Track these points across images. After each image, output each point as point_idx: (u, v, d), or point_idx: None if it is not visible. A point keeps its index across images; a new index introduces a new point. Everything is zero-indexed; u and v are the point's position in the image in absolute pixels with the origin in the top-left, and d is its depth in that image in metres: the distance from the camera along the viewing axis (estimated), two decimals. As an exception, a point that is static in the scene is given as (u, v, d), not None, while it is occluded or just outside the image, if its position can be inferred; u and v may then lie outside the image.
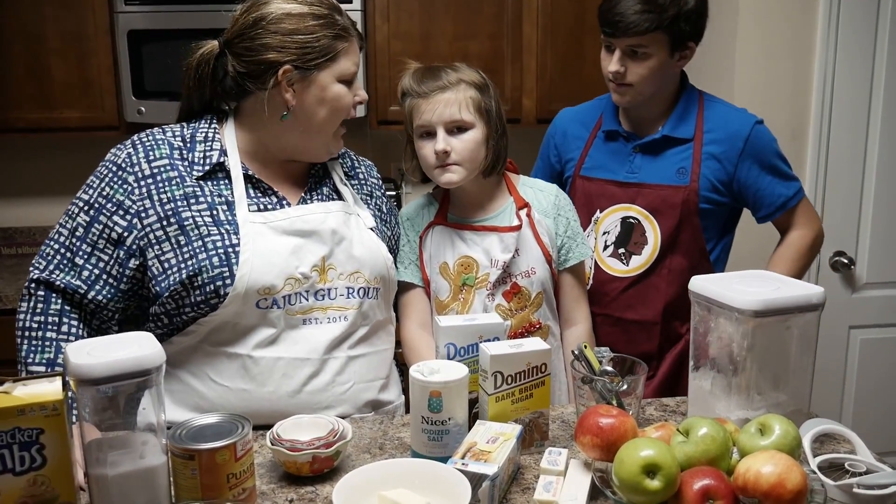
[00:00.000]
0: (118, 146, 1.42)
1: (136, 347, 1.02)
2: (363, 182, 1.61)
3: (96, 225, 1.36)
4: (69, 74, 2.67)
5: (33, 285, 1.37)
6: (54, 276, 1.36)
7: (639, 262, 1.80)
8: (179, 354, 1.38)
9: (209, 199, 1.38)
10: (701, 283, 1.32)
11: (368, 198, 1.59)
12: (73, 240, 1.36)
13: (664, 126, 1.81)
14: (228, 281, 1.33)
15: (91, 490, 1.03)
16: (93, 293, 1.36)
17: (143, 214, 1.36)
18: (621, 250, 1.82)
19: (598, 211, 1.85)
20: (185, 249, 1.34)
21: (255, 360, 1.36)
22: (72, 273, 1.36)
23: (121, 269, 1.36)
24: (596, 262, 1.84)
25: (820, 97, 2.59)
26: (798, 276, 1.79)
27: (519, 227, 1.61)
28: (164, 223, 1.35)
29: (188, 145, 1.42)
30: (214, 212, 1.37)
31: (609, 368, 1.31)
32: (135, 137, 1.43)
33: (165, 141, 1.41)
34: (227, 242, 1.35)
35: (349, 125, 1.49)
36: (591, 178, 1.86)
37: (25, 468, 0.97)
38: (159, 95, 2.66)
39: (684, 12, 1.68)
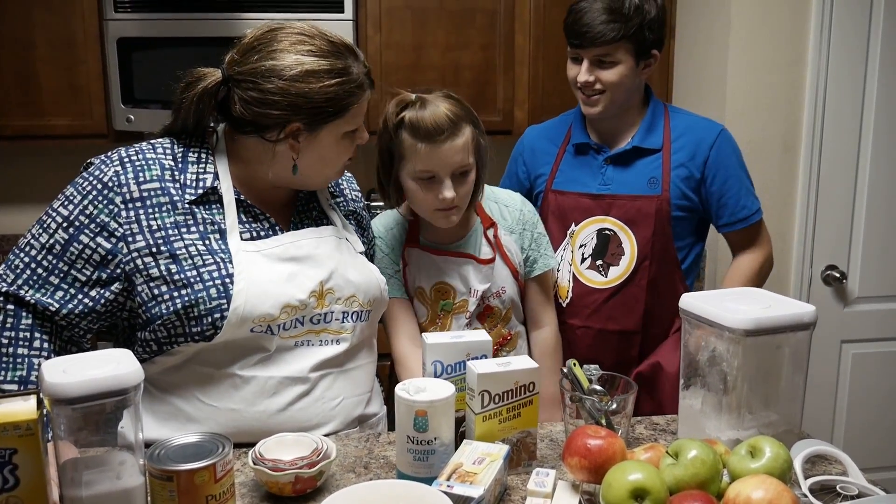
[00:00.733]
0: (103, 160, 1.35)
1: (113, 365, 0.99)
2: (347, 198, 1.59)
3: (76, 244, 1.29)
4: (58, 82, 2.65)
5: (1, 298, 1.30)
6: (23, 291, 1.30)
7: (617, 273, 1.82)
8: (164, 374, 1.34)
9: (201, 227, 1.32)
10: (691, 301, 1.31)
11: (353, 214, 1.58)
12: (49, 257, 1.30)
13: (634, 137, 1.84)
14: (226, 312, 1.28)
15: (66, 511, 1.00)
16: (65, 311, 1.30)
17: (129, 239, 1.29)
18: (599, 262, 1.84)
19: (574, 224, 1.86)
20: (177, 278, 1.28)
21: (246, 379, 1.32)
22: (43, 290, 1.29)
23: (100, 292, 1.30)
24: (574, 275, 1.85)
25: (812, 109, 2.59)
26: None
27: (493, 260, 1.65)
28: (154, 250, 1.29)
29: (179, 165, 1.35)
30: (207, 241, 1.32)
31: (598, 387, 1.29)
32: (122, 153, 1.35)
33: (156, 161, 1.34)
34: (223, 272, 1.30)
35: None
36: (564, 191, 1.89)
37: (-2, 489, 0.94)
38: (148, 104, 2.64)
39: (647, 21, 1.73)
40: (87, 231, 1.29)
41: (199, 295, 1.28)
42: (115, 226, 1.29)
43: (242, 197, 1.38)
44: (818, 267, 2.68)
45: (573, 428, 1.28)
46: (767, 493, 0.97)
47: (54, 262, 1.30)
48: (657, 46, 1.78)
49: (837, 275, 2.66)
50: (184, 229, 1.31)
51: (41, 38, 2.61)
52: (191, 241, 1.31)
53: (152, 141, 1.39)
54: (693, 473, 1.04)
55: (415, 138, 1.49)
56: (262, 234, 1.38)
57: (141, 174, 1.32)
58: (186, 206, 1.33)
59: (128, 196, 1.30)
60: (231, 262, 1.31)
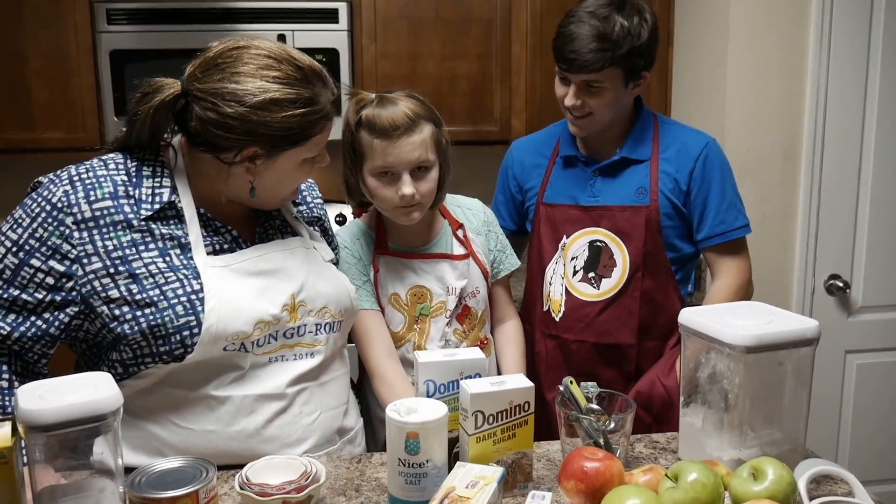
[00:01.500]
0: (51, 180, 1.27)
1: (90, 390, 0.96)
2: (309, 205, 1.55)
3: (26, 268, 1.23)
4: (51, 94, 2.63)
5: None
6: None
7: (610, 285, 1.79)
8: (134, 398, 1.28)
9: (160, 243, 1.27)
10: (691, 317, 1.27)
11: (317, 220, 1.55)
12: (0, 282, 1.25)
13: (622, 148, 1.81)
14: (196, 330, 1.24)
15: (43, 542, 0.97)
16: (17, 335, 1.24)
17: (84, 261, 1.23)
18: (591, 274, 1.81)
19: (565, 237, 1.84)
20: (139, 298, 1.23)
21: (221, 399, 1.28)
22: None
23: (55, 314, 1.25)
24: (566, 288, 1.82)
25: (812, 118, 2.56)
26: None
27: (467, 255, 1.64)
28: (112, 271, 1.23)
29: (133, 180, 1.29)
30: (168, 257, 1.27)
31: (595, 406, 1.25)
32: (72, 171, 1.28)
33: (108, 178, 1.27)
34: (188, 289, 1.25)
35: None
36: (554, 204, 1.86)
37: (-30, 520, 0.91)
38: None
39: (637, 46, 1.68)
40: (37, 255, 1.23)
41: (165, 314, 1.23)
42: (68, 247, 1.23)
43: (202, 210, 1.32)
44: (821, 276, 2.64)
45: (570, 448, 1.24)
46: (771, 519, 0.93)
47: (5, 286, 1.24)
48: (648, 68, 1.75)
49: (841, 284, 2.63)
50: (141, 247, 1.26)
51: (34, 51, 2.59)
52: (150, 260, 1.26)
53: (103, 157, 1.32)
54: (693, 497, 1.00)
55: (372, 135, 1.50)
56: (226, 247, 1.33)
57: (92, 192, 1.26)
58: (142, 222, 1.27)
59: (79, 216, 1.24)
60: (197, 277, 1.27)
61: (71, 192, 1.26)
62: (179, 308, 1.24)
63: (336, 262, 1.54)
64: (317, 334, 1.37)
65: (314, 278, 1.38)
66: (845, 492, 1.20)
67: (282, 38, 2.59)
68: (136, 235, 1.26)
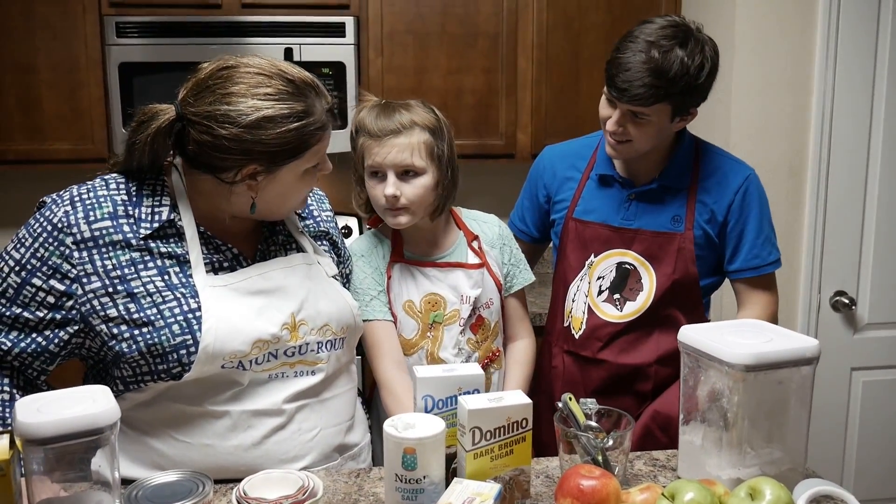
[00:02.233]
0: (54, 200, 1.30)
1: (88, 403, 0.97)
2: (317, 219, 1.55)
3: (28, 287, 1.25)
4: (60, 106, 2.65)
5: None
6: None
7: (633, 308, 1.76)
8: (133, 411, 1.30)
9: (158, 262, 1.28)
10: (690, 334, 1.27)
11: (324, 234, 1.54)
12: (3, 300, 1.26)
13: (661, 175, 1.77)
14: (193, 349, 1.25)
15: (39, 555, 0.97)
16: (17, 350, 1.26)
17: (84, 280, 1.25)
18: (616, 296, 1.78)
19: (593, 255, 1.80)
20: (136, 317, 1.24)
21: (218, 413, 1.29)
22: None
23: (55, 332, 1.27)
24: (589, 306, 1.79)
25: (818, 134, 2.55)
26: None
27: (482, 265, 1.65)
28: (111, 290, 1.25)
29: (133, 200, 1.30)
30: (166, 276, 1.28)
31: (593, 424, 1.25)
32: (74, 192, 1.30)
33: (108, 198, 1.29)
34: (185, 308, 1.26)
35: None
36: (586, 221, 1.82)
37: (-33, 533, 0.92)
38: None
39: (694, 86, 1.61)
40: (39, 274, 1.25)
41: (162, 333, 1.24)
42: (68, 267, 1.25)
43: (203, 229, 1.33)
44: (826, 293, 2.63)
45: (568, 464, 1.24)
46: (766, 541, 0.92)
47: (7, 304, 1.26)
48: (699, 104, 1.69)
49: (846, 301, 2.61)
50: (140, 266, 1.27)
51: (44, 62, 2.61)
52: (148, 279, 1.27)
53: (106, 176, 1.34)
54: (690, 517, 1.00)
55: (363, 134, 1.55)
56: (226, 265, 1.34)
57: (91, 213, 1.27)
58: (141, 241, 1.28)
59: (78, 237, 1.26)
60: (194, 296, 1.27)
61: (71, 212, 1.27)
62: (176, 327, 1.25)
63: (343, 276, 1.54)
64: (318, 352, 1.37)
65: (315, 296, 1.38)
66: (845, 512, 1.18)
67: (289, 51, 2.61)
68: (135, 255, 1.27)
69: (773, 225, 1.81)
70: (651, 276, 1.75)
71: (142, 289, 1.26)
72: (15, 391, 1.27)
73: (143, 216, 1.29)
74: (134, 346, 1.24)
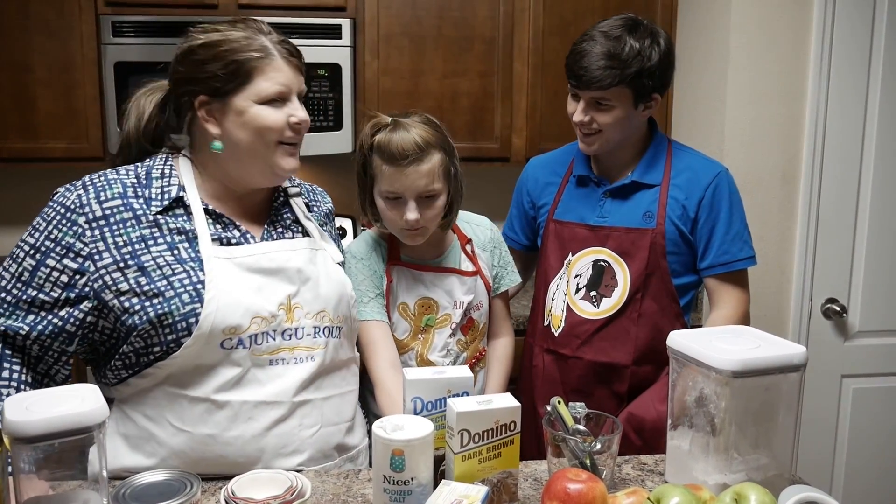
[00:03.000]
0: (67, 187, 1.36)
1: (77, 402, 0.97)
2: (317, 214, 1.59)
3: (43, 269, 1.30)
4: (55, 105, 2.65)
5: None
6: None
7: (609, 305, 1.80)
8: (136, 396, 1.33)
9: (168, 238, 1.33)
10: (679, 339, 1.28)
11: (321, 228, 1.57)
12: (19, 284, 1.31)
13: (633, 172, 1.83)
14: (201, 317, 1.29)
15: (26, 552, 0.97)
16: (35, 333, 1.30)
17: (96, 257, 1.30)
18: (593, 293, 1.82)
19: (571, 254, 1.86)
20: (147, 290, 1.29)
21: (220, 403, 1.31)
22: (14, 317, 1.30)
23: (69, 311, 1.31)
24: (568, 304, 1.84)
25: (811, 141, 2.56)
26: None
27: (476, 272, 1.69)
28: (122, 266, 1.30)
29: (143, 182, 1.37)
30: (175, 251, 1.33)
31: (581, 427, 1.25)
32: (85, 178, 1.37)
33: (118, 180, 1.36)
34: (194, 279, 1.31)
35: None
36: (563, 221, 1.88)
37: (-46, 530, 0.92)
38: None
39: (647, 68, 1.70)
40: (53, 255, 1.30)
41: (172, 302, 1.28)
42: (81, 245, 1.30)
43: (211, 207, 1.39)
44: (818, 300, 2.64)
45: (556, 468, 1.24)
46: (750, 546, 0.93)
47: (23, 288, 1.31)
48: (659, 90, 1.76)
49: (838, 308, 2.62)
50: (150, 242, 1.33)
51: (39, 61, 2.61)
52: (158, 253, 1.32)
53: (117, 167, 1.42)
54: (674, 522, 1.00)
55: (382, 160, 1.54)
56: (234, 242, 1.38)
57: (102, 193, 1.34)
58: (151, 218, 1.34)
59: (91, 216, 1.32)
60: (202, 269, 1.32)
61: (83, 194, 1.34)
62: (185, 296, 1.29)
63: (343, 265, 1.57)
64: (315, 337, 1.39)
65: (314, 282, 1.41)
66: (830, 518, 1.19)
67: (285, 53, 2.61)
68: (146, 231, 1.33)
69: (747, 223, 1.84)
70: (625, 271, 1.79)
71: (152, 262, 1.31)
72: (23, 387, 1.29)
73: (154, 195, 1.36)
74: (145, 317, 1.28)
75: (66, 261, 1.30)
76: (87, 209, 1.32)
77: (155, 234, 1.33)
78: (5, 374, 1.28)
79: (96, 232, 1.31)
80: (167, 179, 1.38)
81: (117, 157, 1.46)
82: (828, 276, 2.63)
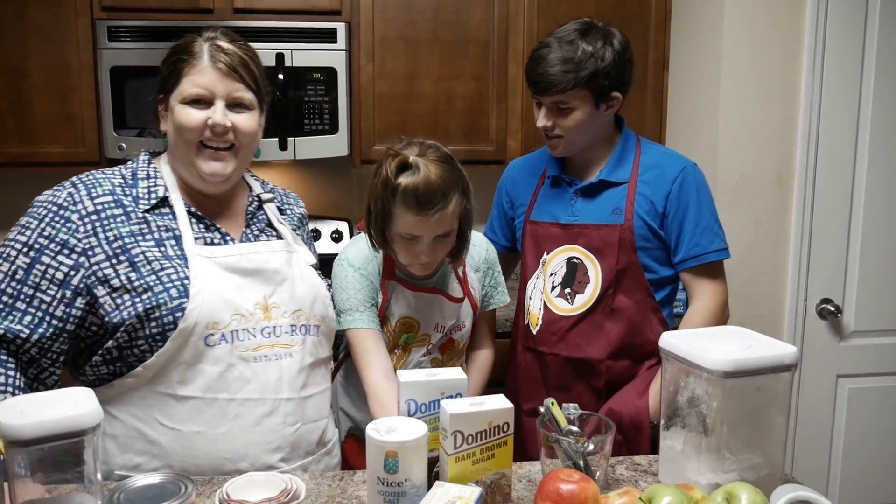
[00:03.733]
0: (55, 188, 1.39)
1: (71, 405, 0.97)
2: (290, 218, 1.62)
3: (38, 266, 1.32)
4: (51, 109, 2.65)
5: None
6: None
7: (583, 301, 1.83)
8: (122, 396, 1.35)
9: (156, 234, 1.38)
10: (671, 340, 1.29)
11: (294, 231, 1.60)
12: (14, 283, 1.32)
13: (602, 170, 1.86)
14: (186, 312, 1.32)
15: (21, 555, 0.98)
16: (36, 336, 1.31)
17: (90, 253, 1.33)
18: (567, 290, 1.85)
19: (546, 253, 1.89)
20: (136, 285, 1.32)
21: (208, 401, 1.34)
22: (11, 318, 1.31)
23: (66, 310, 1.32)
24: (544, 302, 1.87)
25: (805, 142, 2.57)
26: None
27: (463, 299, 1.71)
28: (114, 261, 1.34)
29: (129, 182, 1.42)
30: (163, 247, 1.37)
31: (574, 428, 1.26)
32: (74, 179, 1.41)
33: (107, 179, 1.41)
34: (181, 275, 1.35)
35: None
36: (538, 221, 1.92)
37: (-51, 533, 0.92)
38: (141, 132, 2.65)
39: (601, 68, 1.74)
40: (47, 252, 1.33)
41: (161, 296, 1.32)
42: (75, 242, 1.33)
43: (192, 209, 1.44)
44: (813, 300, 2.65)
45: (550, 469, 1.25)
46: (740, 544, 0.94)
47: (19, 287, 1.32)
48: (619, 89, 1.79)
49: (832, 308, 2.63)
50: (139, 237, 1.37)
51: (36, 66, 2.62)
52: (147, 248, 1.36)
53: (103, 169, 1.46)
54: (666, 521, 1.01)
55: (406, 206, 1.51)
56: (216, 242, 1.43)
57: (93, 190, 1.38)
58: (140, 215, 1.39)
59: (83, 211, 1.35)
60: (187, 266, 1.36)
61: (74, 192, 1.38)
62: (174, 291, 1.32)
63: (317, 267, 1.60)
64: (293, 335, 1.43)
65: (290, 282, 1.46)
66: (822, 517, 1.20)
67: (280, 57, 2.62)
68: (135, 227, 1.37)
69: (718, 217, 1.86)
70: (596, 268, 1.82)
71: (141, 257, 1.34)
72: (17, 392, 1.29)
73: (141, 194, 1.41)
74: (133, 312, 1.30)
75: (60, 257, 1.32)
76: (79, 205, 1.36)
77: (143, 231, 1.37)
78: (1, 378, 1.28)
79: (89, 227, 1.34)
80: (153, 180, 1.43)
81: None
82: (822, 276, 2.64)
